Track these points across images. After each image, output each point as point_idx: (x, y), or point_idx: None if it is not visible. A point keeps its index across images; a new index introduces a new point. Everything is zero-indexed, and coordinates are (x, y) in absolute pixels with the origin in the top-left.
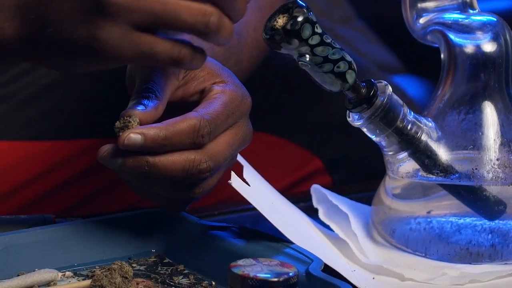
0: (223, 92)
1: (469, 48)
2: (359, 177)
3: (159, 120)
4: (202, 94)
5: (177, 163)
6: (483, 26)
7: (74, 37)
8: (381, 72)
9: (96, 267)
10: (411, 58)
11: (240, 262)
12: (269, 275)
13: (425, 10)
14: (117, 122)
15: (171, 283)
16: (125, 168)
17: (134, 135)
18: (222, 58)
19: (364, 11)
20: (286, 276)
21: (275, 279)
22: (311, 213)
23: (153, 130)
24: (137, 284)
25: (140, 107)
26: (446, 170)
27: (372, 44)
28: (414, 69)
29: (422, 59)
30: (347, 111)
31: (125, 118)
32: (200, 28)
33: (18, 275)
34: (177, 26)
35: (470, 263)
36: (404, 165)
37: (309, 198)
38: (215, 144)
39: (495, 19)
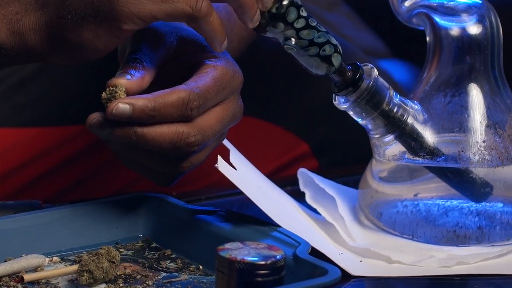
0: (214, 67)
1: (455, 31)
2: (346, 160)
3: (148, 91)
4: (193, 69)
5: (165, 135)
6: (468, 9)
7: (94, 5)
8: (367, 56)
9: (84, 252)
10: (396, 42)
11: (227, 245)
12: (256, 258)
13: None
14: (103, 92)
15: (159, 268)
16: (113, 137)
17: (122, 105)
18: None
19: None
20: (273, 259)
21: (262, 262)
22: (298, 196)
23: (141, 101)
24: (125, 268)
25: (127, 76)
26: (433, 152)
27: (358, 29)
28: (399, 53)
29: (408, 43)
30: (333, 95)
31: (111, 88)
32: (191, 13)
33: (5, 261)
34: (172, 15)
35: (457, 245)
36: (390, 148)
37: (296, 182)
38: (205, 119)
39: (480, 2)
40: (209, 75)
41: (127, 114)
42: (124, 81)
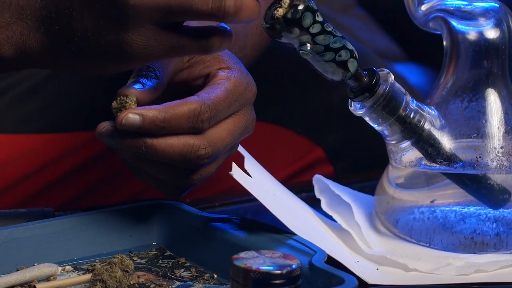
0: (227, 78)
1: (472, 35)
2: (361, 166)
3: (160, 101)
4: (207, 79)
5: (175, 146)
6: (485, 13)
7: (101, 42)
8: (382, 60)
9: (97, 260)
10: (412, 45)
11: (242, 254)
12: (271, 268)
13: None
14: (114, 101)
15: (173, 276)
16: (123, 147)
17: (132, 116)
18: None
19: None
20: (289, 268)
21: (278, 272)
22: (314, 203)
23: (152, 112)
24: (138, 277)
25: (138, 86)
26: (450, 158)
27: (373, 32)
28: (415, 57)
29: (423, 46)
30: (349, 100)
31: (121, 97)
32: (217, 14)
33: (17, 270)
34: (194, 15)
35: (475, 253)
36: (407, 154)
37: (311, 188)
38: (216, 131)
39: (497, 5)
40: (221, 87)
41: (137, 125)
42: (136, 90)
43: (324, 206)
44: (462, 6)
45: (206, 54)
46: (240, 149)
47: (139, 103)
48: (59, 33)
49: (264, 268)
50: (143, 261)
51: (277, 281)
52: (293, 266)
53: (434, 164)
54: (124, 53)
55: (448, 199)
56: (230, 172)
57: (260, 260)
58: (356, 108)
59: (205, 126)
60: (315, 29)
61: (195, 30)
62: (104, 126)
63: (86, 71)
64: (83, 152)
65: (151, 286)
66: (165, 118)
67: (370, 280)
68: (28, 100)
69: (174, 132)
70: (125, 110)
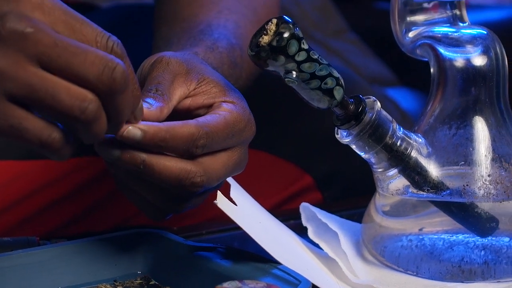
0: (230, 111)
1: (459, 62)
2: (350, 193)
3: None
4: (209, 109)
5: (173, 170)
6: (473, 40)
7: None
8: (373, 85)
9: None
10: (404, 70)
11: (225, 284)
12: None
13: (414, 24)
14: None
15: None
16: (121, 161)
17: (133, 129)
18: (227, 73)
19: (357, 23)
20: None
21: None
22: (301, 231)
23: (153, 128)
24: None
25: (144, 105)
26: (437, 186)
27: (365, 57)
28: (407, 81)
29: (416, 71)
30: (335, 128)
31: None
32: (76, 114)
33: None
34: (53, 105)
35: (462, 282)
36: (394, 182)
37: (299, 215)
38: (211, 161)
39: (485, 32)
40: (221, 118)
41: (137, 139)
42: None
43: (310, 234)
44: (450, 33)
45: (41, 151)
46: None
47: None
48: None
49: None
50: None
51: None
52: None
53: (421, 192)
54: None
55: (436, 227)
56: (215, 201)
57: None
58: (343, 136)
59: (198, 152)
60: (301, 56)
61: (41, 120)
62: (105, 137)
63: None
64: (72, 179)
65: None
66: (165, 138)
67: None
68: None
69: (169, 153)
70: (127, 124)
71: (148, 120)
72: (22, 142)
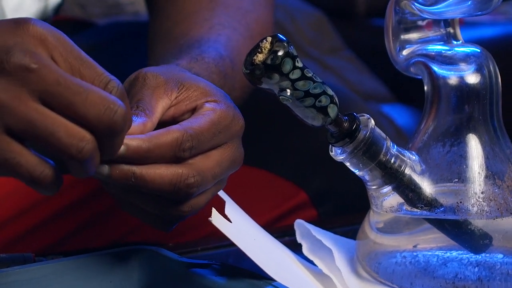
0: (213, 110)
1: (453, 80)
2: (345, 210)
3: None
4: (193, 112)
5: (165, 176)
6: (466, 58)
7: None
8: (369, 101)
9: None
10: (400, 87)
11: None
12: None
13: (408, 42)
14: None
15: None
16: (111, 179)
17: None
18: (217, 83)
19: (353, 40)
20: None
21: None
22: (295, 248)
23: (136, 141)
24: None
25: None
26: (431, 204)
27: (361, 74)
28: (403, 98)
29: (411, 88)
30: (330, 146)
31: None
32: (72, 152)
33: None
34: (51, 142)
35: None
36: (388, 199)
37: (294, 232)
38: (203, 161)
39: (478, 50)
40: (205, 117)
41: (121, 153)
42: None
43: (305, 251)
44: (443, 51)
45: (31, 187)
46: (221, 193)
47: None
48: None
49: None
50: None
51: None
52: None
53: (415, 210)
54: None
55: (430, 243)
56: (210, 218)
57: None
58: (337, 153)
59: (186, 155)
60: (295, 75)
61: (35, 156)
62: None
63: None
64: (68, 195)
65: None
66: (149, 148)
67: None
68: None
69: (157, 161)
70: None
71: (131, 134)
72: (13, 176)
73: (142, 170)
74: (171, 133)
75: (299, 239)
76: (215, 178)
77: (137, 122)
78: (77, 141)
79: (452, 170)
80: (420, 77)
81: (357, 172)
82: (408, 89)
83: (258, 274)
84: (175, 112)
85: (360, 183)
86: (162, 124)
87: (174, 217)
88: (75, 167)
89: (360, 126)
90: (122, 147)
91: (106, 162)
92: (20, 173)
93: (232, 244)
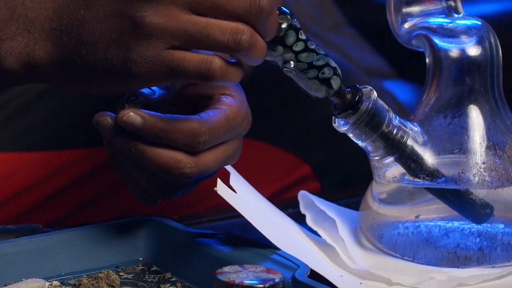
0: (229, 106)
1: (454, 52)
2: (348, 182)
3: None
4: (208, 101)
5: (163, 158)
6: (467, 30)
7: (108, 57)
8: (371, 77)
9: (84, 276)
10: (402, 63)
11: (225, 269)
12: (254, 282)
13: (410, 15)
14: (123, 98)
15: None
16: (114, 141)
17: (134, 115)
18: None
19: (355, 17)
20: (271, 282)
21: (261, 285)
22: (300, 219)
23: (154, 118)
24: None
25: (148, 91)
26: (432, 174)
27: (363, 50)
28: (405, 74)
29: (413, 64)
30: (333, 117)
31: (130, 97)
32: (232, 46)
33: (5, 285)
34: (209, 44)
35: (458, 267)
36: (390, 170)
37: (297, 204)
38: (206, 155)
39: (479, 23)
40: (222, 113)
41: (137, 125)
42: (145, 94)
43: (309, 221)
44: (445, 24)
45: (207, 83)
46: (226, 166)
47: (144, 108)
48: (66, 45)
49: (247, 282)
50: (129, 276)
51: None
52: (276, 280)
53: (417, 180)
54: (128, 71)
55: (432, 214)
56: (215, 188)
57: (243, 275)
58: (340, 125)
59: (200, 148)
60: (298, 47)
61: (197, 56)
62: (103, 116)
63: (89, 87)
64: (76, 169)
65: None
66: (164, 128)
67: None
68: (19, 119)
69: (168, 144)
70: (129, 108)
71: (150, 104)
72: (186, 80)
73: (145, 145)
74: (189, 122)
75: (302, 210)
76: (209, 171)
77: (157, 95)
78: (233, 35)
79: (454, 141)
80: (422, 49)
81: (359, 143)
82: (409, 65)
83: (263, 243)
84: (191, 93)
85: (362, 156)
86: (176, 100)
87: (160, 196)
88: (243, 58)
89: (363, 98)
90: (140, 119)
91: (115, 126)
92: (190, 76)
93: (237, 216)
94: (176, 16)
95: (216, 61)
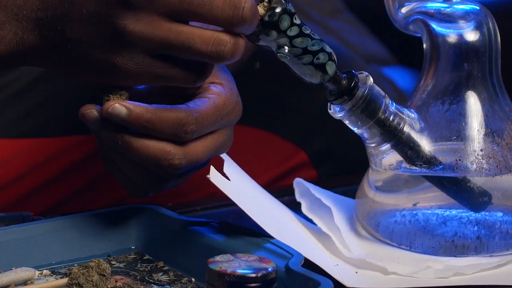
0: (218, 94)
1: (452, 38)
2: (345, 170)
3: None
4: (197, 90)
5: (151, 149)
6: (465, 15)
7: (92, 57)
8: (370, 64)
9: (75, 265)
10: (401, 49)
11: (218, 258)
12: (247, 271)
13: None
14: (107, 88)
15: (150, 280)
16: (100, 134)
17: (119, 106)
18: None
19: (354, 2)
20: (264, 272)
21: (253, 275)
22: (295, 207)
23: (139, 109)
24: (116, 281)
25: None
26: (430, 161)
27: (362, 36)
28: (404, 60)
29: (412, 50)
30: (328, 103)
31: (115, 89)
32: (214, 57)
33: None
34: (191, 54)
35: (455, 256)
36: (387, 157)
37: (293, 192)
38: (194, 145)
39: (478, 8)
40: (211, 102)
41: (122, 117)
42: (131, 87)
43: (304, 209)
44: (442, 9)
45: (191, 86)
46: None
47: (130, 99)
48: (51, 38)
49: (239, 271)
50: (121, 265)
51: (252, 285)
52: (269, 269)
53: (414, 167)
54: (113, 72)
55: (430, 202)
56: (208, 176)
57: (236, 264)
58: (336, 111)
59: (187, 138)
60: (293, 31)
61: (183, 63)
62: (89, 108)
63: (76, 77)
64: (68, 157)
65: None
66: (150, 119)
67: (348, 283)
68: (12, 105)
69: (155, 135)
70: (114, 100)
71: (135, 95)
72: (173, 85)
73: (131, 137)
74: (176, 112)
75: (298, 197)
76: (199, 162)
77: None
78: (215, 47)
79: (451, 128)
80: (419, 35)
81: (356, 130)
82: (409, 51)
83: (256, 231)
84: None
85: (359, 143)
86: (165, 91)
87: (149, 188)
88: (224, 63)
89: (359, 84)
90: (125, 111)
91: (101, 118)
92: (177, 82)
93: (230, 204)
94: (158, 25)
95: (198, 70)
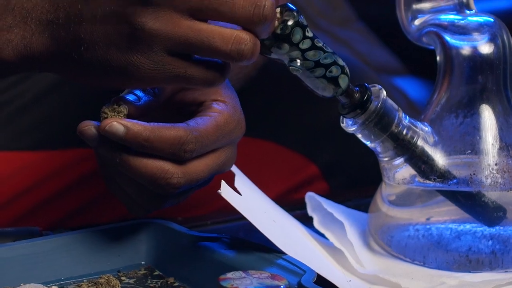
0: (220, 112)
1: (466, 50)
2: (356, 183)
3: (149, 118)
4: (199, 107)
5: (148, 168)
6: (480, 27)
7: (108, 57)
8: (381, 74)
9: (84, 280)
10: (412, 59)
11: (229, 275)
12: None
13: (420, 11)
14: (105, 106)
15: None
16: (98, 151)
17: (117, 124)
18: None
19: (364, 12)
20: None
21: None
22: (307, 221)
23: (137, 127)
24: None
25: (133, 98)
26: (444, 175)
27: (372, 46)
28: (415, 70)
29: (424, 60)
30: (341, 117)
31: (114, 104)
32: (234, 56)
33: None
34: (211, 52)
35: (469, 271)
36: (400, 171)
37: (305, 205)
38: (194, 164)
39: (492, 20)
40: (212, 121)
41: (119, 135)
42: (129, 101)
43: (316, 224)
44: (456, 21)
45: (208, 88)
46: (232, 166)
47: (129, 116)
48: (64, 40)
49: None
50: (131, 280)
51: None
52: (281, 287)
53: (428, 181)
54: (129, 73)
55: (444, 216)
56: (219, 191)
57: (247, 281)
58: (348, 125)
59: (187, 157)
60: (305, 44)
61: (202, 64)
62: (87, 125)
63: (89, 82)
64: (77, 170)
65: None
66: (148, 137)
67: None
68: (20, 118)
69: (153, 154)
70: (112, 118)
71: (134, 112)
72: (191, 86)
73: (129, 155)
74: (175, 130)
75: (310, 212)
76: (199, 181)
77: (142, 101)
78: (235, 46)
79: (466, 141)
80: (433, 47)
81: (368, 143)
82: (420, 61)
83: (268, 247)
84: (182, 100)
85: (371, 156)
86: (166, 106)
87: (149, 206)
88: (243, 62)
89: (372, 97)
90: (122, 129)
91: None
92: (195, 83)
93: (242, 218)
94: (177, 22)
95: (218, 72)
